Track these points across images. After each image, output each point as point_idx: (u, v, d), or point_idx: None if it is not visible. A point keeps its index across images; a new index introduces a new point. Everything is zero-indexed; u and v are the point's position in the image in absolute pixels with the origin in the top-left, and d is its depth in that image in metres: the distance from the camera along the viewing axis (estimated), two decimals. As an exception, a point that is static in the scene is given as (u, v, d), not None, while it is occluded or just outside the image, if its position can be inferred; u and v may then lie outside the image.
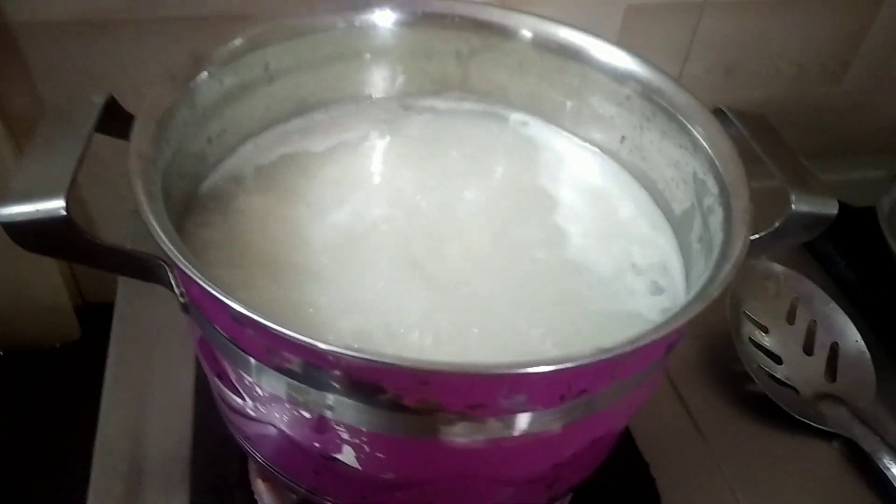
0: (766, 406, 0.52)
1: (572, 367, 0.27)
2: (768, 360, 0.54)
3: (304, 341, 0.26)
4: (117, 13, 0.53)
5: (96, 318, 0.68)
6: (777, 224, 0.36)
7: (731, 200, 0.36)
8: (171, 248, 0.28)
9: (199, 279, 0.27)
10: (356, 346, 0.26)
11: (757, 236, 0.35)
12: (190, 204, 0.40)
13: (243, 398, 0.34)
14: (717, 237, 0.35)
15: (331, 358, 0.28)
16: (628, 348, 0.27)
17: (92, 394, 0.50)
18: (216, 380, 0.35)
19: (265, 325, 0.27)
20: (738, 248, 0.32)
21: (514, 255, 0.40)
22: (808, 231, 0.37)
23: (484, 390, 0.28)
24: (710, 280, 0.31)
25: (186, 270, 0.28)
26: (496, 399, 0.29)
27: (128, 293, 0.56)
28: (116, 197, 0.63)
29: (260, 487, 0.44)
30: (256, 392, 0.32)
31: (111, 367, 0.51)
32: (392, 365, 0.26)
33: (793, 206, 0.36)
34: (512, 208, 0.43)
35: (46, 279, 0.66)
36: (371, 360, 0.26)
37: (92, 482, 0.45)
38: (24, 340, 0.69)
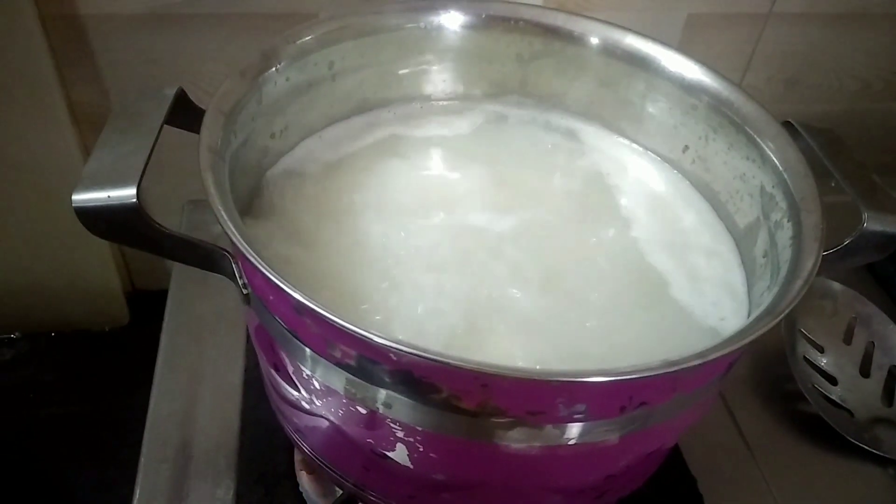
0: (818, 427, 0.50)
1: (637, 379, 0.26)
2: (823, 380, 0.53)
3: (367, 336, 0.26)
4: (186, 7, 0.54)
5: (145, 304, 0.70)
6: (847, 241, 0.35)
7: (802, 216, 0.35)
8: (241, 240, 0.28)
9: (267, 271, 0.28)
10: (419, 345, 0.26)
11: (825, 253, 0.34)
12: (251, 197, 0.41)
13: (299, 390, 0.34)
14: (786, 253, 0.34)
15: (392, 355, 0.28)
16: (696, 362, 0.27)
17: (138, 377, 0.51)
18: (272, 371, 0.36)
19: (329, 318, 0.27)
20: (809, 264, 0.31)
21: (578, 260, 0.40)
22: (878, 250, 0.36)
23: (545, 397, 0.28)
24: (780, 295, 0.30)
25: (255, 262, 0.28)
26: (556, 406, 0.28)
27: (180, 282, 0.57)
28: (170, 186, 0.64)
29: (305, 479, 0.44)
30: (313, 385, 0.32)
31: (162, 355, 0.52)
32: (454, 366, 0.26)
33: (864, 224, 0.35)
34: (573, 213, 0.43)
35: (100, 265, 0.67)
36: (434, 361, 0.26)
37: (141, 466, 0.45)
38: (74, 322, 0.70)
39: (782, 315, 0.29)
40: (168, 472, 0.45)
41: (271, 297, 0.31)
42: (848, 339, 0.54)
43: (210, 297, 0.55)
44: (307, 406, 0.34)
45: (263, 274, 0.28)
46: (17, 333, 0.69)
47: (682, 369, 0.27)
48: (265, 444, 0.46)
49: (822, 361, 0.53)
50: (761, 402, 0.53)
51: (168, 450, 0.46)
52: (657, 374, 0.26)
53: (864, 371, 0.53)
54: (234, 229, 0.29)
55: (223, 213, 0.30)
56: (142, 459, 0.46)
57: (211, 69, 0.57)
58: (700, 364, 0.27)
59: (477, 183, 0.44)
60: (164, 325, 0.54)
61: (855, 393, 0.52)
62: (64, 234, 0.61)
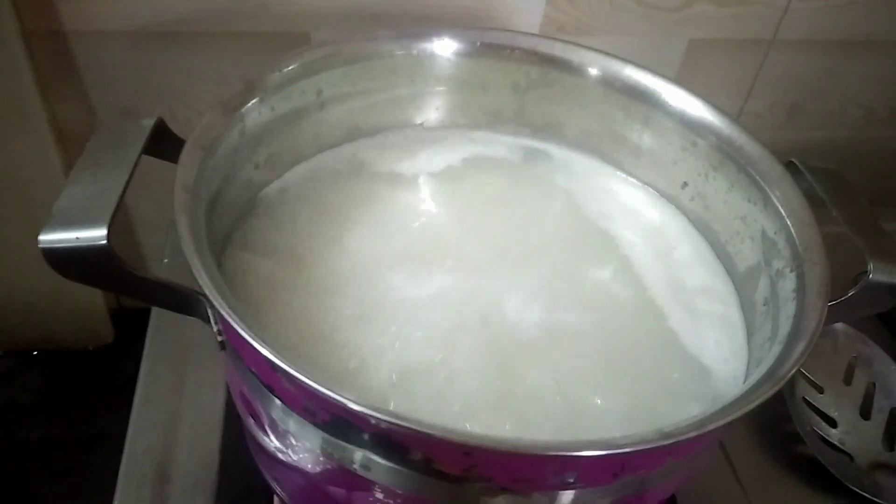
0: (816, 471, 0.49)
1: (630, 452, 0.25)
2: (822, 422, 0.51)
3: (342, 401, 0.25)
4: (176, 26, 0.52)
5: (130, 323, 0.69)
6: (851, 293, 0.34)
7: (805, 268, 0.33)
8: (215, 293, 0.27)
9: (241, 328, 0.26)
10: (399, 412, 0.25)
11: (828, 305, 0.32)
12: (232, 227, 0.39)
13: (275, 443, 0.32)
14: (788, 306, 0.33)
15: (371, 421, 0.26)
16: (692, 434, 0.25)
17: (121, 397, 0.50)
18: (249, 419, 0.34)
19: (303, 381, 0.25)
20: (812, 325, 0.30)
21: (573, 295, 0.39)
22: (883, 302, 0.35)
23: (532, 466, 0.27)
24: (782, 358, 0.29)
25: (229, 318, 0.26)
26: (544, 475, 0.27)
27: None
28: (158, 204, 0.63)
29: (284, 523, 0.43)
30: (290, 441, 0.31)
31: (142, 384, 0.50)
32: (436, 437, 0.24)
33: (870, 276, 0.33)
34: (566, 249, 0.42)
35: (85, 282, 0.66)
36: (416, 430, 0.24)
37: (117, 499, 0.44)
38: (58, 341, 0.69)
39: (784, 381, 0.27)
40: (144, 507, 0.43)
41: (245, 350, 0.30)
42: (848, 379, 0.53)
43: (192, 324, 0.53)
44: (284, 458, 0.33)
45: (237, 332, 0.26)
46: (-2, 352, 0.68)
47: (678, 441, 0.25)
48: (243, 484, 0.44)
49: (822, 402, 0.52)
50: (757, 443, 0.51)
51: (144, 489, 0.44)
52: (652, 447, 0.25)
53: (865, 413, 0.52)
54: (208, 280, 0.27)
55: (197, 261, 0.28)
56: (117, 494, 0.44)
57: (200, 88, 0.56)
58: (697, 435, 0.25)
59: (468, 214, 0.43)
60: (145, 353, 0.52)
61: (855, 436, 0.51)
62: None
